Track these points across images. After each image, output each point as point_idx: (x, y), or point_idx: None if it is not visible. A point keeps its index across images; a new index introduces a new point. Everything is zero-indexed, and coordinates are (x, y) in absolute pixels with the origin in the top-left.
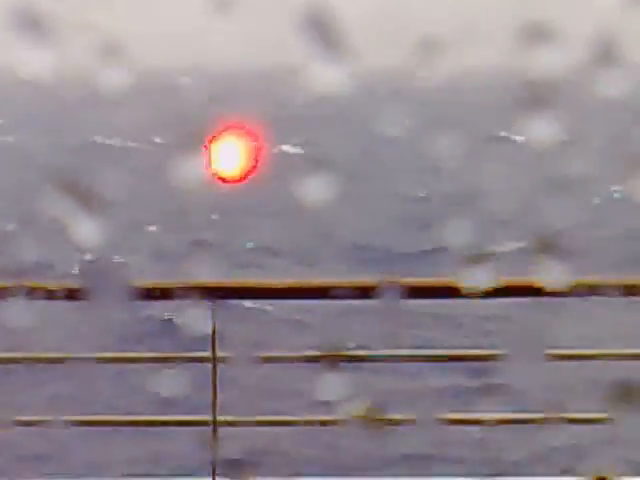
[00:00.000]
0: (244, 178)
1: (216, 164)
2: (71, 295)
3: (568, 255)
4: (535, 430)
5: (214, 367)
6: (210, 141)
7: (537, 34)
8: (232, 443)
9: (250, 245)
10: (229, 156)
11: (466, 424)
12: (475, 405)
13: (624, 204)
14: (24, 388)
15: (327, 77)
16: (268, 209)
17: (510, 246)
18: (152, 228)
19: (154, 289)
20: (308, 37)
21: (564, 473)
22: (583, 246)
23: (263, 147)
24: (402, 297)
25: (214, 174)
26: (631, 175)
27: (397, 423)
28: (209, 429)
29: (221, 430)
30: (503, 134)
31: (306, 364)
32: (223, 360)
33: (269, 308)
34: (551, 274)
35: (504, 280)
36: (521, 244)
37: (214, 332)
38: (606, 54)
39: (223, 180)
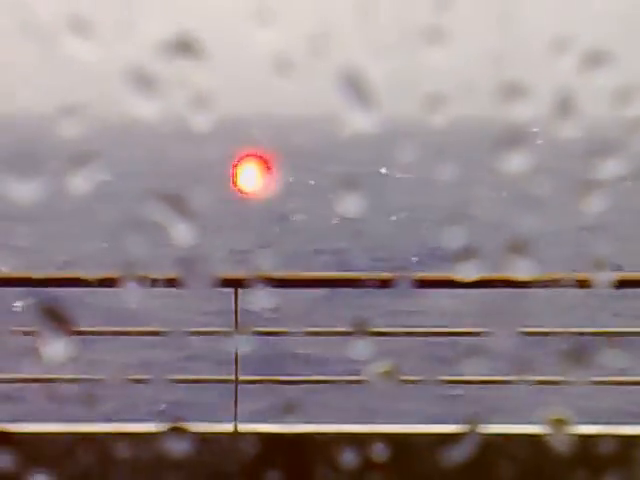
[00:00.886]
0: (259, 194)
1: (239, 182)
2: (170, 282)
3: (534, 255)
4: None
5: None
6: (235, 165)
7: (511, 90)
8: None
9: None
10: (249, 177)
11: (457, 383)
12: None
13: (578, 217)
14: (130, 352)
15: (358, 122)
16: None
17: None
18: (230, 232)
19: (229, 279)
20: (345, 92)
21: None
22: (545, 248)
23: (275, 173)
24: (413, 287)
25: (238, 190)
26: (584, 195)
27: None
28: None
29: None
30: (488, 165)
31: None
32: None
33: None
34: (522, 270)
35: (487, 275)
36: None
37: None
38: (565, 106)
39: (244, 194)
